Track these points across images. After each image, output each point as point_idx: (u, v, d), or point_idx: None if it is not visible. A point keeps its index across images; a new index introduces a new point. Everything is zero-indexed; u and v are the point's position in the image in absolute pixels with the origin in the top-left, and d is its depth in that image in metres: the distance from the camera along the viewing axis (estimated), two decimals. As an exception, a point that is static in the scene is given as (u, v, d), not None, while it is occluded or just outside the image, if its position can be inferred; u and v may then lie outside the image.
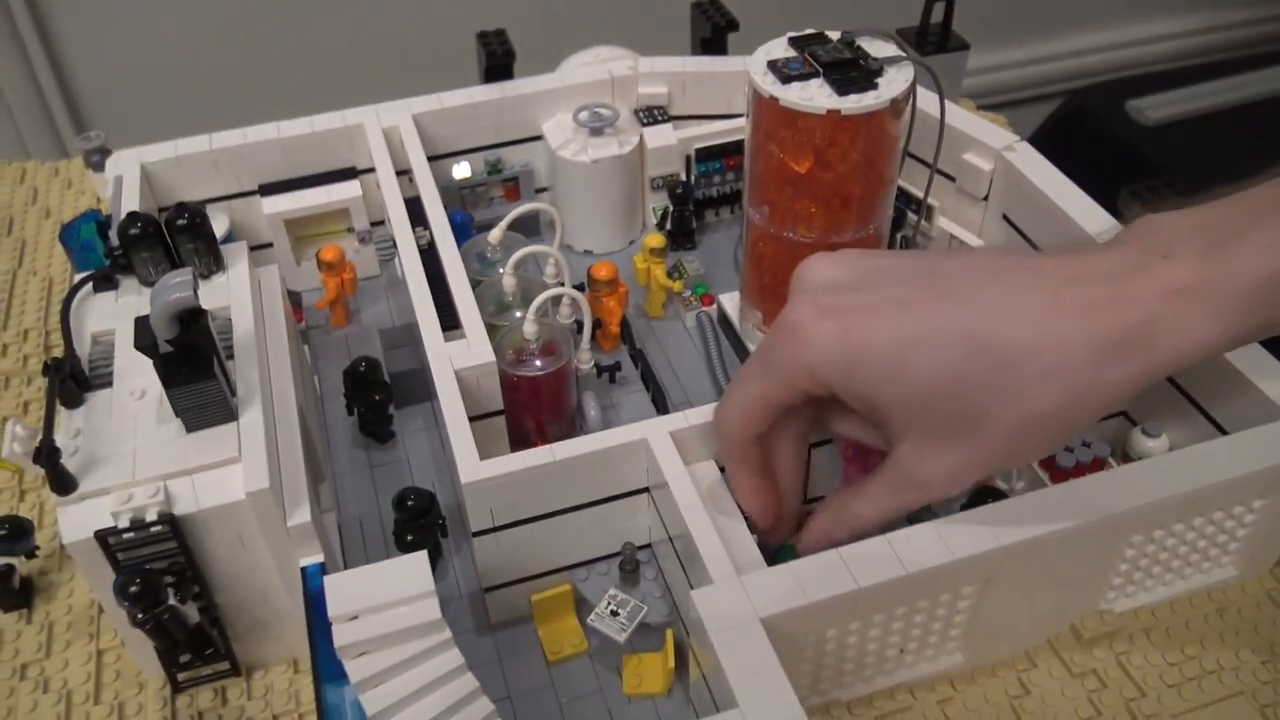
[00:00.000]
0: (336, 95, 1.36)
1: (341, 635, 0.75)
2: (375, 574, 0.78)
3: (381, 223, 1.29)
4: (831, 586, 0.76)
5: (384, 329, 1.25)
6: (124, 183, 1.17)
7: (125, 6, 1.87)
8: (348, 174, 1.29)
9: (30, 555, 0.98)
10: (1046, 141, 2.26)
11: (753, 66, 1.00)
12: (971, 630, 0.86)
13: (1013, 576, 0.82)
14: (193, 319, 0.79)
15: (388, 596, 0.76)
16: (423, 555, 0.79)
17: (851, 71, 0.97)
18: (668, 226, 1.33)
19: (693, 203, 1.34)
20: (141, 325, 0.80)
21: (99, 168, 1.36)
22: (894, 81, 0.97)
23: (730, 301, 1.23)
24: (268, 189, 1.27)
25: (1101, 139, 2.12)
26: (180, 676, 0.89)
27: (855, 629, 0.80)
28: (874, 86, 0.96)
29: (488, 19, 1.43)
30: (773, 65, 0.99)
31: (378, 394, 1.10)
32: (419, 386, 1.17)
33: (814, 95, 0.96)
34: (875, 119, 0.96)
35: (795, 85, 0.97)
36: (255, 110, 1.32)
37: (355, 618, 0.76)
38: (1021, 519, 0.79)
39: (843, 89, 0.95)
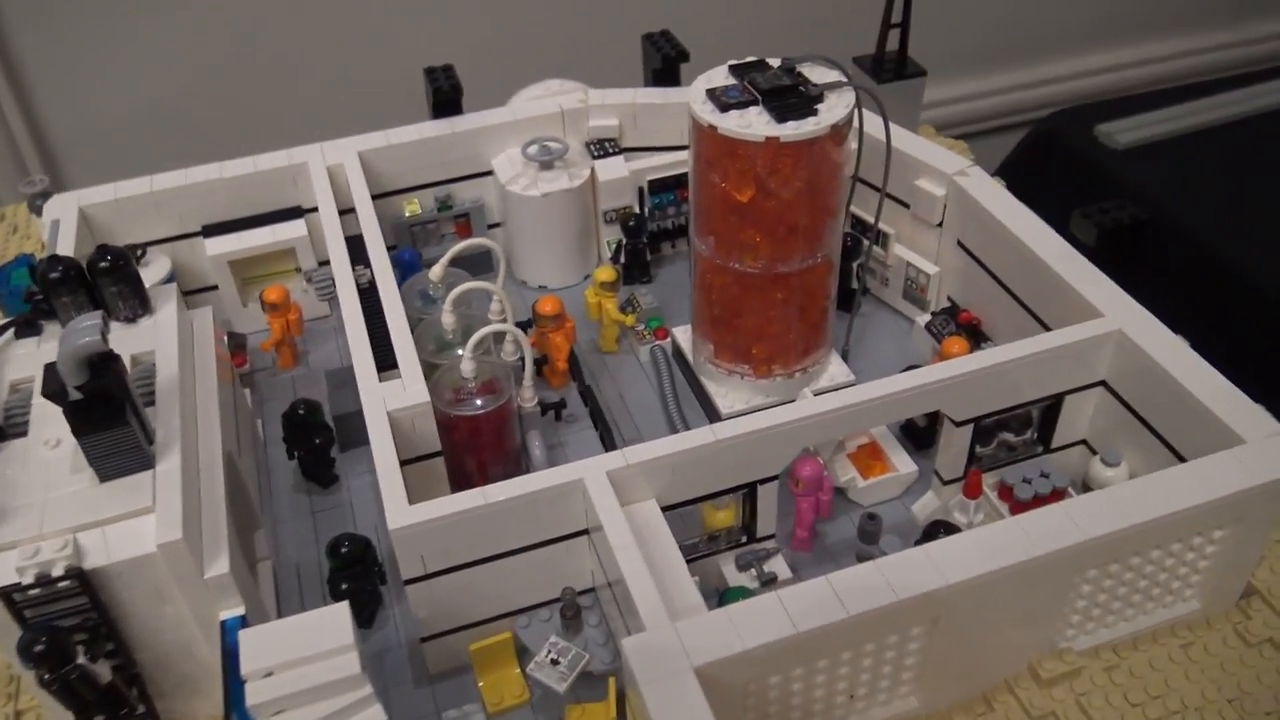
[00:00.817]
0: (312, 133, 1.33)
1: (255, 693, 0.71)
2: (293, 627, 0.75)
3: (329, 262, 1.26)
4: (768, 632, 0.72)
5: (331, 370, 1.22)
6: (60, 226, 1.15)
7: (95, 53, 1.86)
8: (294, 213, 1.26)
9: (-50, 613, 0.94)
10: (1017, 168, 2.24)
11: (692, 95, 0.98)
12: (925, 673, 0.82)
13: (963, 615, 0.78)
14: (103, 364, 0.76)
15: (306, 650, 0.73)
16: (344, 606, 0.75)
17: (790, 98, 0.95)
18: (622, 260, 1.31)
19: (647, 235, 1.31)
20: (50, 372, 0.77)
21: (42, 212, 1.34)
22: (835, 107, 0.95)
23: (684, 335, 1.20)
24: (211, 230, 1.24)
25: (1072, 164, 2.10)
26: (100, 738, 0.85)
27: (799, 675, 0.77)
28: (814, 113, 0.94)
29: (436, 55, 1.41)
30: (711, 94, 0.97)
31: (318, 437, 1.07)
32: (365, 428, 1.13)
33: (752, 123, 0.94)
34: (816, 145, 0.94)
35: (734, 113, 0.95)
36: (225, 153, 1.30)
37: (270, 674, 0.72)
38: (968, 555, 0.76)
39: (782, 116, 0.93)
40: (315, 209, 1.23)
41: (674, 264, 1.38)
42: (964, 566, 0.76)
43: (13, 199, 1.88)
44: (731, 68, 1.01)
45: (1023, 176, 1.40)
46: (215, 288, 1.26)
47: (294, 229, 1.25)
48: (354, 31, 1.91)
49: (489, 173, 1.32)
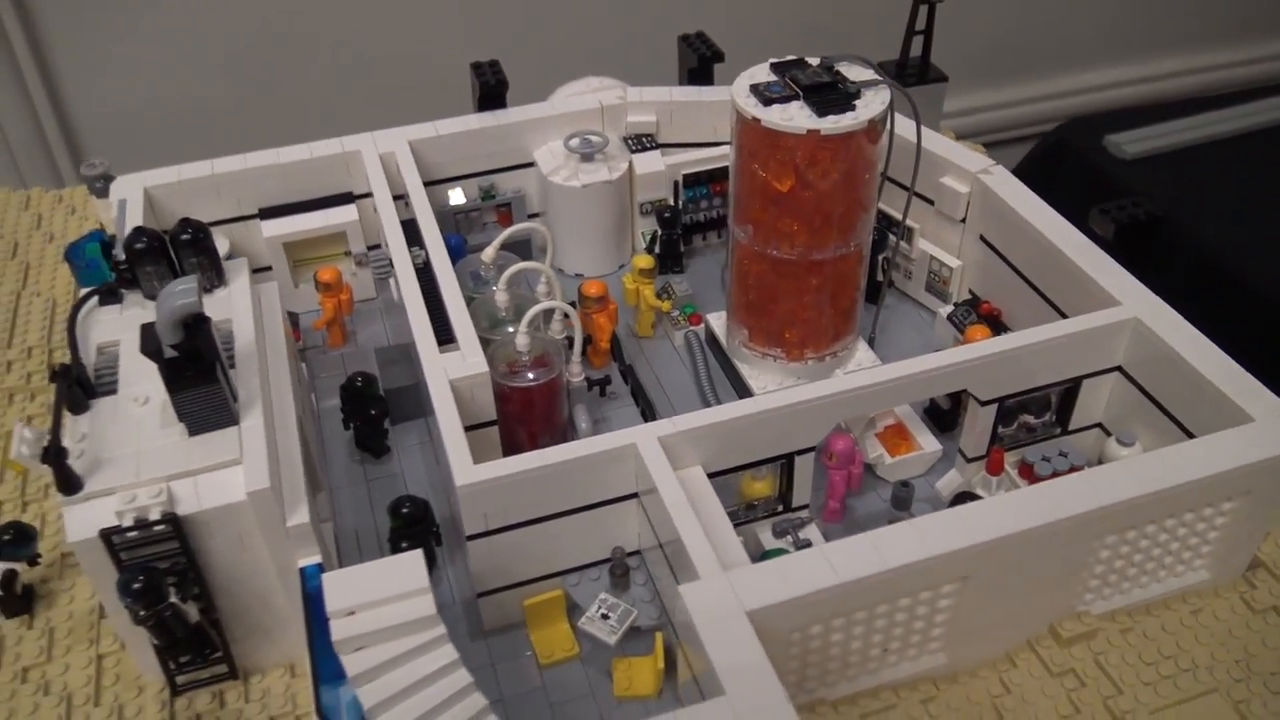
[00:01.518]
0: (337, 123, 1.39)
1: (339, 630, 0.77)
2: (372, 571, 0.80)
3: (378, 246, 1.32)
4: (813, 581, 0.78)
5: (380, 348, 1.28)
6: (128, 205, 1.20)
7: (123, 39, 1.92)
8: (345, 199, 1.32)
9: (33, 562, 0.99)
10: (1028, 176, 2.29)
11: (736, 90, 1.04)
12: (953, 631, 0.88)
13: (991, 576, 0.84)
14: (197, 325, 0.82)
15: (384, 592, 0.78)
16: (418, 554, 0.81)
17: (830, 94, 1.01)
18: (656, 250, 1.37)
19: (681, 227, 1.37)
20: (147, 331, 0.83)
21: (102, 194, 1.39)
22: (871, 104, 1.01)
23: (718, 320, 1.26)
24: (267, 213, 1.30)
25: (1080, 172, 2.16)
26: (179, 679, 0.90)
27: (839, 626, 0.83)
28: (852, 108, 1.00)
29: (482, 50, 1.47)
30: (755, 89, 1.03)
31: (373, 408, 1.13)
32: (413, 403, 1.19)
33: (794, 116, 1.00)
34: (853, 139, 1.00)
35: (776, 107, 1.01)
36: (252, 141, 1.36)
37: (352, 613, 0.78)
38: (997, 517, 0.82)
39: (822, 110, 1.00)
40: (366, 195, 1.29)
41: (705, 255, 1.44)
42: (993, 527, 0.81)
43: (39, 183, 1.94)
44: (773, 65, 1.07)
45: (1033, 184, 1.45)
46: (269, 269, 1.32)
47: (345, 214, 1.31)
48: (398, 25, 1.97)
49: (530, 164, 1.38)
